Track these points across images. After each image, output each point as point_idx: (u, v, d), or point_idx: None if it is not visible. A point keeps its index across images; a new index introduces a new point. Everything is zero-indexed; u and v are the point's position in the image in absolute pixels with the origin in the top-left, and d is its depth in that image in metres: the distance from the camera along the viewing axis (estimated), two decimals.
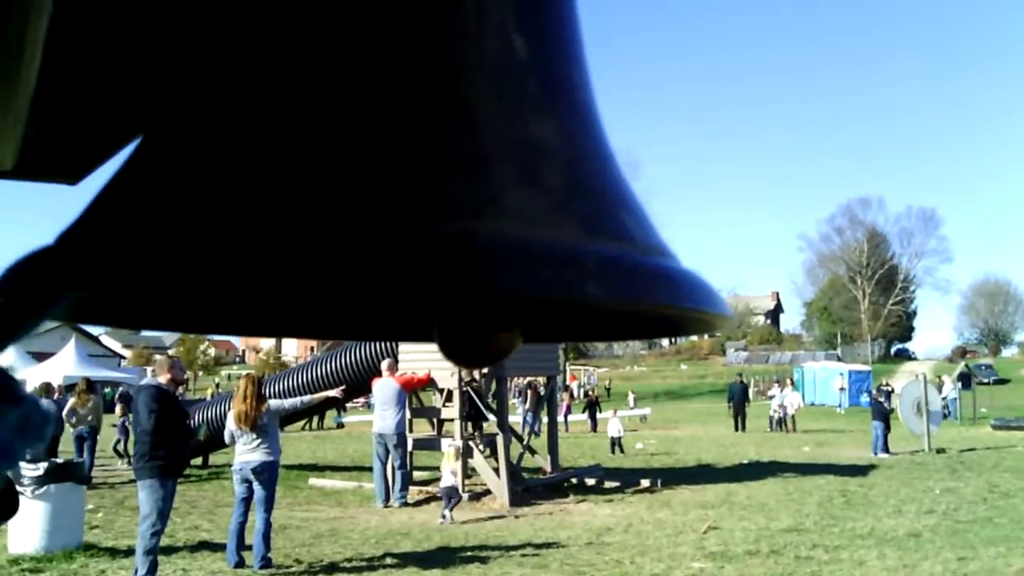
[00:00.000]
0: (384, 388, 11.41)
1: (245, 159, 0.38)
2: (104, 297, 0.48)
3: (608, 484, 12.96)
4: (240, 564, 7.58)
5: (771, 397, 29.62)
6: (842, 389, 41.27)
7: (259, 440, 7.60)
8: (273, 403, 8.22)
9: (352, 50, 0.42)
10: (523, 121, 0.44)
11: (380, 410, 11.52)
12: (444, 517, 10.05)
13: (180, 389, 8.53)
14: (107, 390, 42.58)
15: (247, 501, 7.73)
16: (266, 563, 7.55)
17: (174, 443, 7.08)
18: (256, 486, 7.63)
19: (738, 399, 27.46)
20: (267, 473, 7.64)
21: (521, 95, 0.45)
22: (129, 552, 7.69)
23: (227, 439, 7.92)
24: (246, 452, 7.64)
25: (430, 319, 0.60)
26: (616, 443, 19.77)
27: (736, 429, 26.31)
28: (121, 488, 12.89)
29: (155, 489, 6.89)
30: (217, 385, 44.41)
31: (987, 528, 9.33)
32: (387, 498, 11.41)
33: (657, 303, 0.43)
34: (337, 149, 0.39)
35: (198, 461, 15.70)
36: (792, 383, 31.44)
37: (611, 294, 0.39)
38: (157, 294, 0.38)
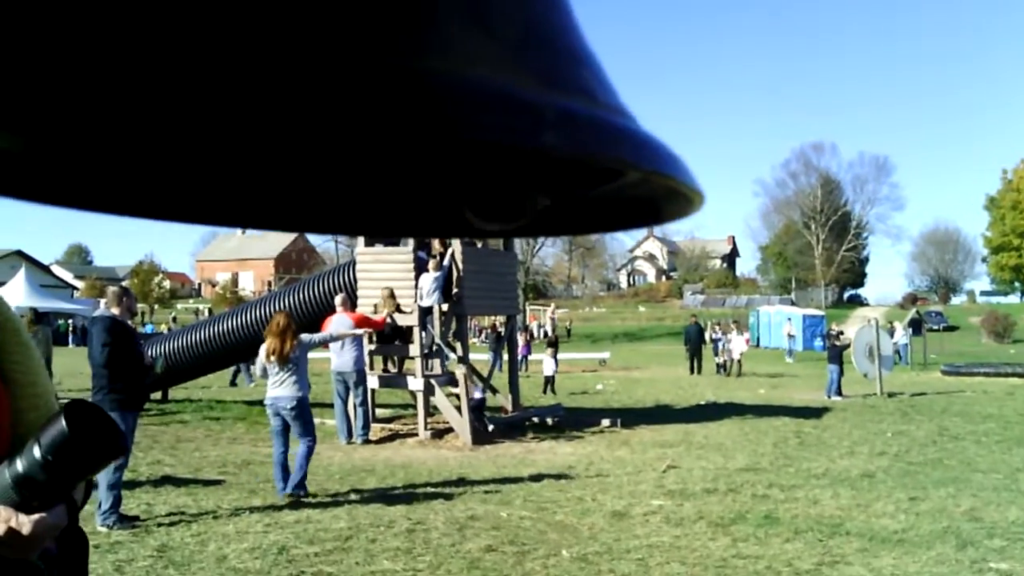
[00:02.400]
0: (338, 325, 11.23)
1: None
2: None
3: (569, 423, 13.10)
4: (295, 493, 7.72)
5: (716, 340, 28.80)
6: (791, 336, 37.89)
7: (288, 375, 7.78)
8: (304, 337, 8.35)
9: None
10: None
11: (336, 347, 11.42)
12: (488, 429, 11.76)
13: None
14: (60, 322, 41.94)
15: (283, 434, 7.88)
16: (301, 488, 7.72)
17: (132, 376, 6.98)
18: (291, 421, 7.82)
19: (694, 341, 27.31)
20: (297, 408, 7.82)
21: None
22: None
23: (259, 372, 8.15)
24: (275, 387, 7.84)
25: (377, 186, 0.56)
26: (549, 382, 19.96)
27: (692, 371, 26.60)
28: None
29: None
30: (173, 318, 43.79)
31: (937, 469, 9.62)
32: (349, 435, 11.41)
33: (621, 159, 0.40)
34: None
35: (158, 395, 15.56)
36: (737, 326, 30.86)
37: (570, 146, 0.36)
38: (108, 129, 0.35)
